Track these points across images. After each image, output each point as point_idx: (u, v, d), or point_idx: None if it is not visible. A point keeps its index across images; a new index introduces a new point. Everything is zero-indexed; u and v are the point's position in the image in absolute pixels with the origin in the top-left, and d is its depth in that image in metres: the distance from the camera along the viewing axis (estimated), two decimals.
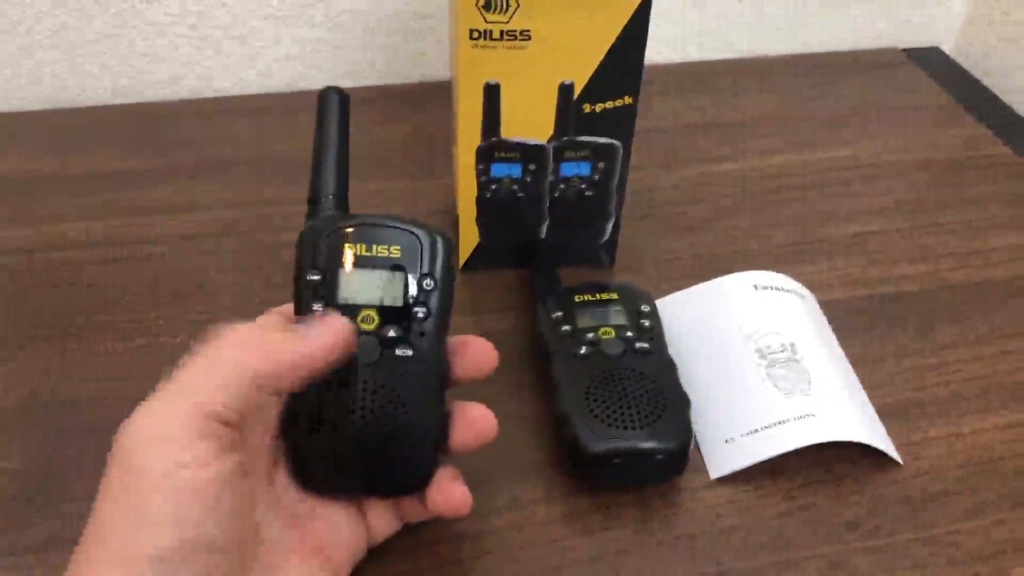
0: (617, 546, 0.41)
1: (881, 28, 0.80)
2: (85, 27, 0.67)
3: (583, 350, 0.44)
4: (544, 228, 0.52)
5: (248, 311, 0.49)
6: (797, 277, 0.52)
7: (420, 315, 0.36)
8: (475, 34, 0.45)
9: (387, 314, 0.36)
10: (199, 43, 0.70)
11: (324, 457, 0.35)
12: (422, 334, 0.36)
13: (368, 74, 0.72)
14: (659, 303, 0.50)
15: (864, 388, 0.47)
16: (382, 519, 0.38)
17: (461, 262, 0.53)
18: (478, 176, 0.50)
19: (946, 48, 0.82)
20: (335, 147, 0.39)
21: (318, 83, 0.73)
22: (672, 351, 0.46)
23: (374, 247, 0.36)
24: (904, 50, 0.79)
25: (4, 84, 0.69)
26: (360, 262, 0.36)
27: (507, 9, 0.44)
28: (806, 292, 0.51)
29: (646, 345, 0.44)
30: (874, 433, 0.44)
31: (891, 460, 0.44)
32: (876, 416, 0.46)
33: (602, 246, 0.54)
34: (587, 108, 0.47)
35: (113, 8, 0.67)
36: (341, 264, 0.36)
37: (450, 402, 0.37)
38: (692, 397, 0.44)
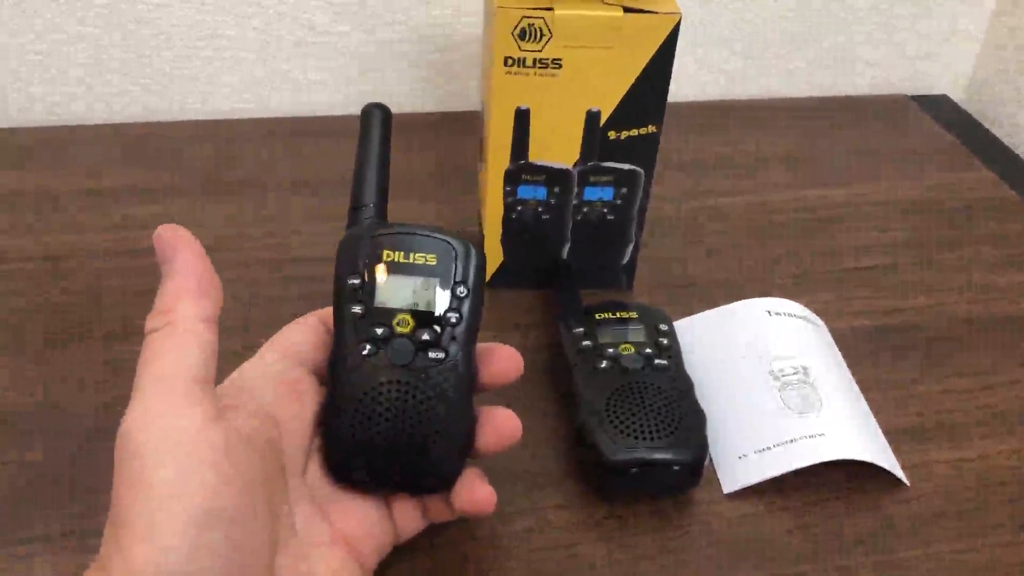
0: (633, 553, 0.42)
1: (891, 75, 0.83)
2: (110, 47, 0.70)
3: (603, 364, 0.46)
4: (566, 249, 0.54)
5: (256, 322, 0.51)
6: (807, 306, 0.54)
7: (453, 320, 0.38)
8: (509, 61, 0.47)
9: (421, 319, 0.37)
10: (230, 65, 0.72)
11: (356, 452, 0.37)
12: (454, 339, 0.37)
13: (392, 102, 0.75)
14: (675, 325, 0.52)
15: (873, 412, 0.49)
16: (408, 517, 0.39)
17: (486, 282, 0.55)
18: (505, 197, 0.52)
19: (954, 97, 0.84)
20: (376, 159, 0.40)
21: (343, 109, 0.76)
22: (688, 370, 0.47)
23: (411, 255, 0.38)
24: (912, 97, 0.81)
25: (28, 101, 0.71)
26: (397, 268, 0.38)
27: (541, 39, 0.46)
28: (817, 320, 0.53)
29: (664, 362, 0.46)
30: (882, 454, 0.46)
31: (898, 481, 0.46)
32: (884, 439, 0.48)
33: (621, 269, 0.55)
34: (612, 135, 0.50)
35: (142, 29, 0.69)
36: (379, 270, 0.38)
37: (477, 407, 0.39)
38: (707, 415, 0.45)
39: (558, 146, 0.50)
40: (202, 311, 0.33)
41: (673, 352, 0.47)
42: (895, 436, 0.48)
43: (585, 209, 0.52)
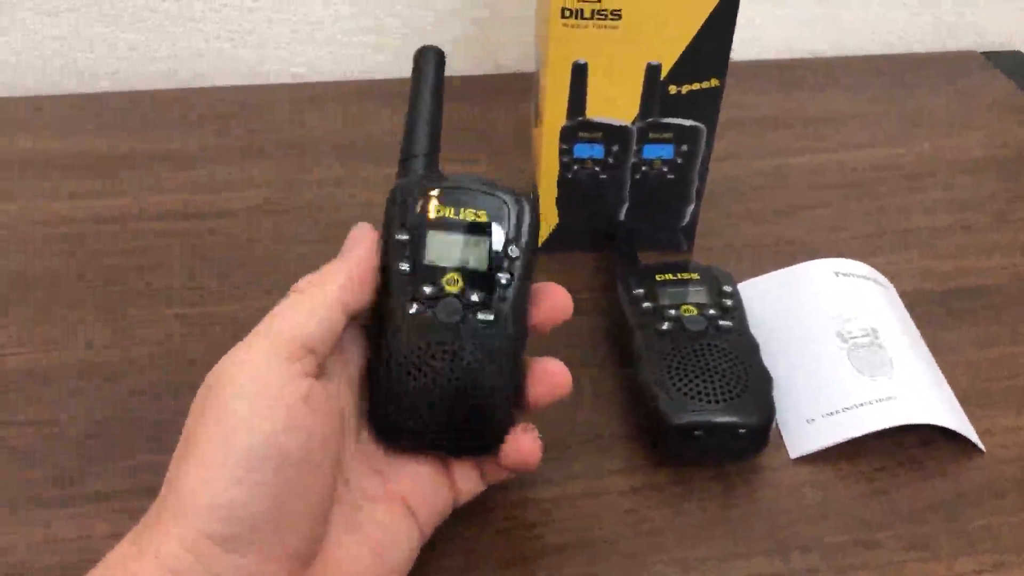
0: (697, 519, 0.41)
1: (961, 31, 0.80)
2: (168, 9, 0.70)
3: (665, 326, 0.44)
4: (624, 210, 0.53)
5: None
6: (875, 267, 0.52)
7: (503, 281, 0.36)
8: (566, 12, 0.45)
9: (471, 278, 0.36)
10: (278, 28, 0.71)
11: (401, 413, 0.36)
12: (504, 300, 0.36)
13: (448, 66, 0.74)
14: (738, 287, 0.50)
15: (944, 376, 0.47)
16: (466, 479, 0.39)
17: (539, 243, 0.54)
18: (561, 156, 0.50)
19: None
20: (428, 107, 0.39)
21: (390, 71, 0.74)
22: (752, 332, 0.46)
23: (462, 210, 0.37)
24: (983, 53, 0.78)
25: (88, 64, 0.71)
26: (447, 225, 0.36)
27: None
28: (886, 281, 0.51)
29: (728, 323, 0.44)
30: (957, 418, 0.44)
31: (973, 447, 0.44)
32: (957, 403, 0.46)
33: (681, 230, 0.54)
34: (673, 90, 0.48)
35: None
36: (428, 226, 0.36)
37: (526, 358, 0.38)
38: (773, 378, 0.44)
39: (616, 102, 0.48)
40: (341, 295, 0.34)
41: (737, 313, 0.45)
42: (969, 402, 0.46)
43: (644, 168, 0.51)
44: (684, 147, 0.50)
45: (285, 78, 0.74)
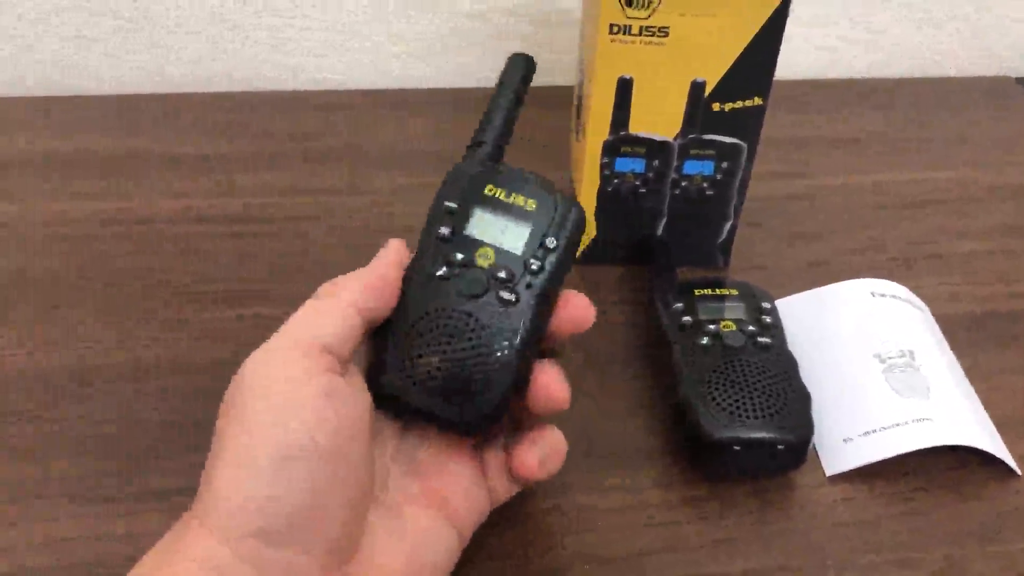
0: (733, 533, 0.41)
1: (996, 57, 0.80)
2: (207, 14, 0.71)
3: (704, 340, 0.45)
4: (662, 224, 0.53)
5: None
6: (912, 290, 0.52)
7: (533, 267, 0.36)
8: (614, 28, 0.46)
9: (503, 256, 0.37)
10: (321, 35, 0.72)
11: (400, 369, 0.36)
12: (529, 286, 0.36)
13: (479, 76, 0.75)
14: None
15: (981, 400, 0.47)
16: (500, 480, 0.39)
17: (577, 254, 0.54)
18: (602, 170, 0.51)
19: None
20: (507, 104, 0.40)
21: (431, 82, 0.75)
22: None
23: (512, 195, 0.38)
24: (1018, 79, 0.78)
25: (127, 69, 0.72)
26: (495, 204, 0.37)
27: (648, 6, 0.45)
28: (922, 303, 0.51)
29: (767, 340, 0.45)
30: (992, 441, 0.44)
31: (1009, 470, 0.44)
32: (994, 427, 0.46)
33: (718, 246, 0.54)
34: (716, 107, 0.48)
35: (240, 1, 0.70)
36: (478, 201, 0.37)
37: (535, 362, 0.37)
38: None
39: (660, 117, 0.49)
40: (363, 301, 0.35)
41: (776, 330, 0.46)
42: (1002, 426, 0.46)
43: (684, 183, 0.51)
44: (725, 164, 0.50)
45: (309, 84, 0.75)
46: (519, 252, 0.37)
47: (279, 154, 0.64)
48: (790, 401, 0.42)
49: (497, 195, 0.38)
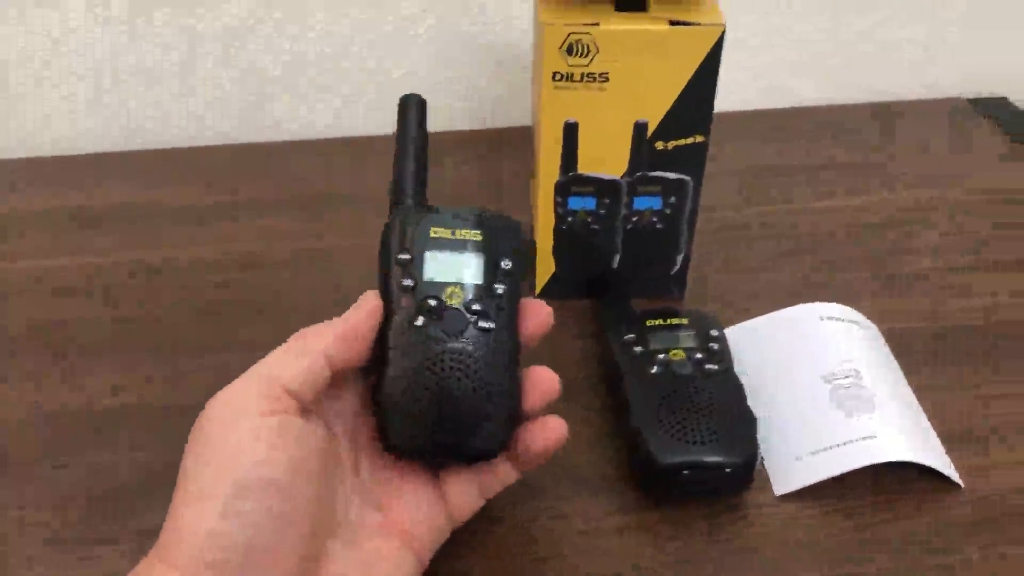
0: (686, 555, 0.43)
1: (948, 79, 0.82)
2: (202, 75, 0.73)
3: (654, 369, 0.46)
4: (616, 259, 0.55)
5: None
6: (862, 310, 0.54)
7: (500, 292, 0.39)
8: (557, 76, 0.48)
9: (470, 291, 0.39)
10: (304, 90, 0.75)
11: (414, 421, 0.38)
12: (501, 309, 0.39)
13: (448, 118, 0.77)
14: (728, 331, 0.52)
15: (928, 415, 0.49)
16: (463, 494, 0.40)
17: (537, 290, 0.56)
18: (556, 208, 0.53)
19: (1014, 99, 0.83)
20: (414, 149, 0.42)
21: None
22: (740, 375, 0.48)
23: (456, 231, 0.40)
24: (970, 100, 0.81)
25: (135, 124, 0.75)
26: (444, 244, 0.40)
27: (588, 54, 0.48)
28: (870, 324, 0.53)
29: (715, 367, 0.46)
30: (935, 456, 0.46)
31: (953, 483, 0.46)
32: (938, 441, 0.48)
33: (672, 277, 0.56)
34: (660, 145, 0.51)
35: (232, 61, 0.73)
36: (427, 245, 0.40)
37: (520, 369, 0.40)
38: (759, 417, 0.46)
39: (607, 157, 0.51)
40: (333, 351, 0.37)
41: (724, 357, 0.48)
42: (951, 439, 0.48)
43: (635, 219, 0.53)
44: (672, 199, 0.53)
45: (306, 135, 0.78)
46: (482, 282, 0.39)
47: (276, 200, 0.67)
48: (736, 425, 0.44)
49: (443, 236, 0.40)
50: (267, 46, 0.73)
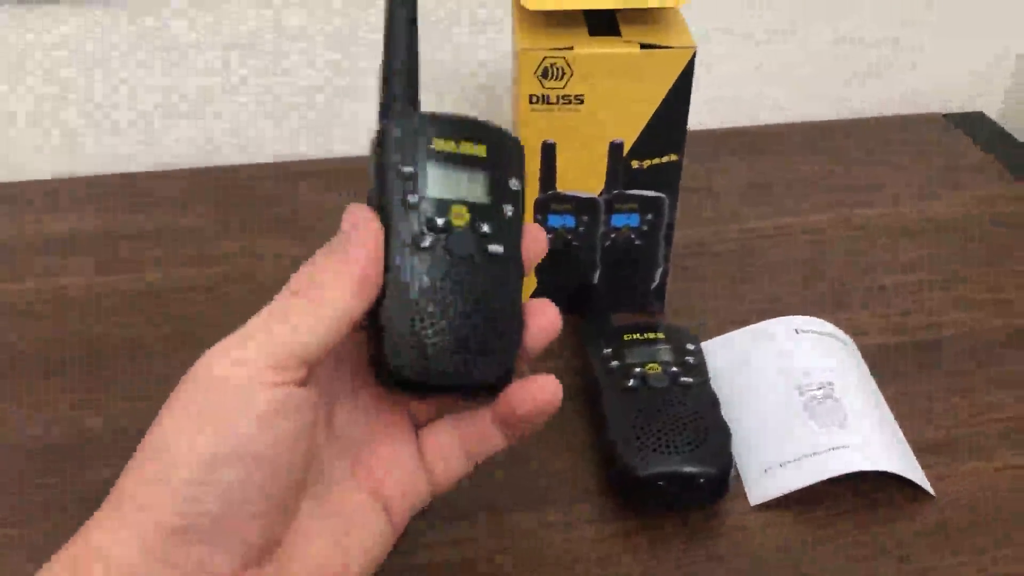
0: (663, 564, 0.44)
1: (926, 94, 0.84)
2: (173, 103, 0.75)
3: (631, 383, 0.48)
4: (596, 275, 0.56)
5: None
6: (838, 324, 0.55)
7: (508, 213, 0.36)
8: (534, 99, 0.50)
9: (477, 211, 0.36)
10: (267, 113, 0.76)
11: (416, 348, 0.34)
12: (510, 232, 0.36)
13: None
14: (705, 345, 0.53)
15: (901, 425, 0.50)
16: (450, 458, 0.37)
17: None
18: None
19: (991, 114, 0.85)
20: (405, 48, 0.37)
21: None
22: (716, 388, 0.49)
23: (461, 143, 0.36)
24: (946, 115, 0.82)
25: (92, 150, 0.76)
26: (448, 158, 0.36)
27: (563, 77, 0.49)
28: (845, 336, 0.54)
29: (690, 380, 0.48)
30: (906, 465, 0.47)
31: (925, 492, 0.47)
32: (910, 450, 0.49)
33: (651, 292, 0.57)
34: (635, 164, 0.52)
35: (205, 93, 0.74)
36: (430, 158, 0.36)
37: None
38: (734, 429, 0.47)
39: (584, 176, 0.52)
40: (350, 304, 0.32)
41: (700, 371, 0.49)
42: (924, 449, 0.49)
43: (613, 235, 0.55)
44: (649, 216, 0.54)
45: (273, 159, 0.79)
46: (488, 202, 0.36)
47: (244, 223, 0.68)
48: (710, 436, 0.45)
49: (447, 148, 0.36)
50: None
